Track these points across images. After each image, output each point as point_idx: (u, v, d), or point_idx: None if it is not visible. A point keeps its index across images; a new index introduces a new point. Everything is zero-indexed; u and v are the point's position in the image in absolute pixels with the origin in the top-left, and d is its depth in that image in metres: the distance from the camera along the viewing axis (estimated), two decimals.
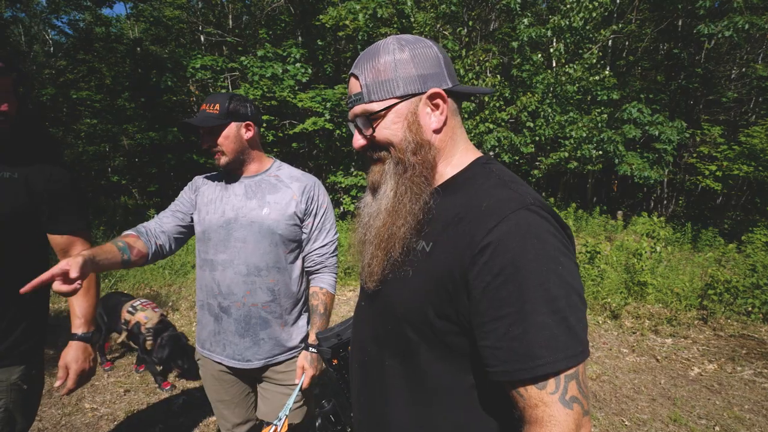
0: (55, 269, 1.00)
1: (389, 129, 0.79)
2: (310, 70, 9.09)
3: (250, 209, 1.53)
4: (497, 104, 8.84)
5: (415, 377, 0.79)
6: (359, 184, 8.99)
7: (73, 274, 1.01)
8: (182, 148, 11.41)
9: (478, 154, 0.85)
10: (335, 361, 1.28)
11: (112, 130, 12.60)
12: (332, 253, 1.66)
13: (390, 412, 0.84)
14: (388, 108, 0.78)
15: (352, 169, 9.91)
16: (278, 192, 1.56)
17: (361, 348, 0.92)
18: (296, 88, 9.07)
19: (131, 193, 14.87)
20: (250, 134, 1.57)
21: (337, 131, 9.39)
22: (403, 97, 0.79)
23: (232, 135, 1.53)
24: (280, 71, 8.76)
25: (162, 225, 1.58)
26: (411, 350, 0.78)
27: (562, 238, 0.70)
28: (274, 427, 1.30)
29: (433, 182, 0.81)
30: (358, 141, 0.84)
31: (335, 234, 1.67)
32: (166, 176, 13.28)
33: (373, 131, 0.80)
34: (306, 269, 1.65)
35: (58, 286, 1.00)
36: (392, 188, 0.79)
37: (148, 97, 11.97)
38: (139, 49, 12.30)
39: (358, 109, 0.81)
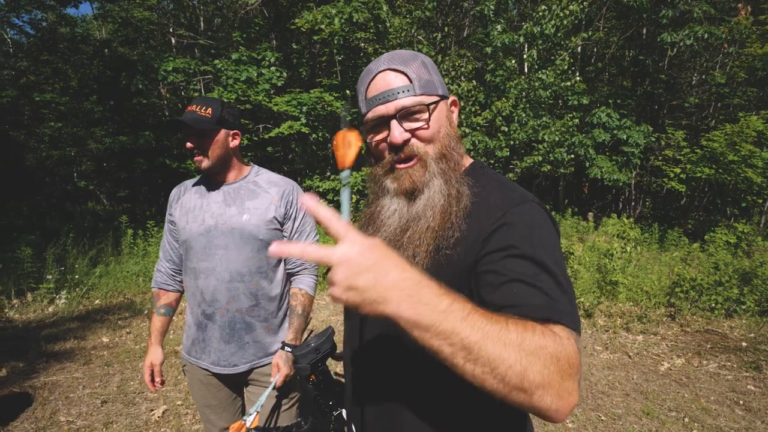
0: (147, 375, 1.65)
1: (437, 123, 0.84)
2: (285, 74, 9.03)
3: (230, 216, 1.54)
4: (473, 109, 9.00)
5: (435, 369, 0.81)
6: (336, 188, 8.97)
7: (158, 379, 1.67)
8: (154, 152, 11.13)
9: (470, 158, 0.92)
10: (313, 377, 1.28)
11: (78, 133, 12.16)
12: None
13: (395, 401, 0.85)
14: (437, 102, 0.83)
15: (329, 173, 9.89)
16: (257, 197, 1.57)
17: (369, 347, 0.92)
18: (271, 91, 8.99)
19: (99, 198, 14.38)
20: (235, 143, 1.58)
21: (313, 135, 9.35)
22: (443, 97, 0.86)
23: (220, 141, 1.53)
24: (255, 75, 8.67)
25: (172, 263, 1.69)
26: (417, 349, 0.80)
27: (556, 230, 0.79)
28: (243, 422, 1.31)
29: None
30: (402, 135, 0.81)
31: (315, 236, 1.69)
32: (136, 181, 12.90)
33: (428, 121, 0.82)
34: (287, 271, 1.67)
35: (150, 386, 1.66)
36: (441, 185, 0.81)
37: (117, 100, 11.62)
38: (107, 50, 11.94)
39: (409, 100, 0.81)
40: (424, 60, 0.86)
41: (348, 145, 0.82)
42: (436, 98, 0.83)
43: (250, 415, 1.35)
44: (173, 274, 1.70)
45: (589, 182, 12.83)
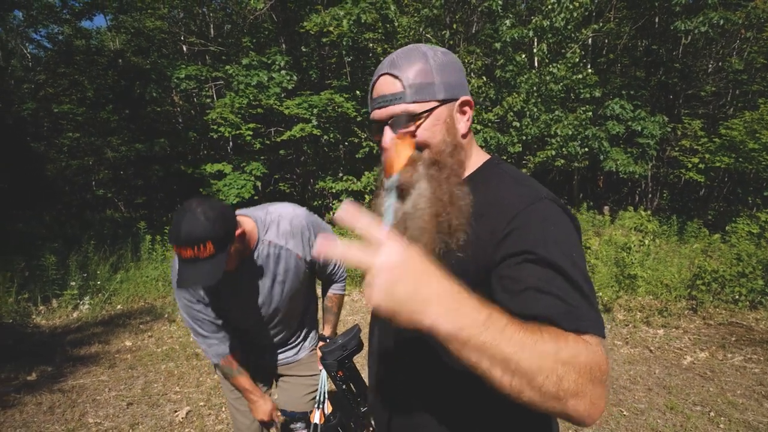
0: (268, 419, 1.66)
1: (429, 131, 0.82)
2: (295, 77, 9.10)
3: (265, 294, 1.50)
4: (484, 104, 8.95)
5: (440, 374, 0.82)
6: (349, 189, 9.00)
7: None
8: (169, 159, 11.32)
9: (487, 155, 0.91)
10: (341, 373, 1.30)
11: (95, 143, 12.43)
12: (340, 269, 1.76)
13: (422, 401, 0.87)
14: (430, 111, 0.81)
15: (341, 174, 9.93)
16: (282, 260, 1.49)
17: (388, 346, 0.94)
18: (282, 95, 9.07)
19: (117, 206, 14.67)
20: (241, 244, 1.38)
21: (325, 137, 9.40)
22: (443, 102, 0.83)
23: (233, 256, 1.35)
24: (266, 79, 8.75)
25: (221, 332, 1.55)
26: (435, 346, 0.82)
27: (575, 227, 0.77)
28: (320, 410, 1.44)
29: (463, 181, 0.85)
30: (390, 141, 0.83)
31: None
32: (152, 188, 13.14)
33: (414, 131, 0.82)
34: (320, 280, 1.79)
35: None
36: (429, 189, 0.81)
37: (132, 109, 11.84)
38: (120, 60, 12.17)
39: (398, 108, 0.81)
40: (433, 59, 0.82)
41: (398, 151, 0.82)
42: (431, 104, 0.81)
43: (323, 402, 1.51)
44: (232, 345, 1.59)
45: (604, 175, 12.63)
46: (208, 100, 11.73)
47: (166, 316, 4.86)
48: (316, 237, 1.54)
